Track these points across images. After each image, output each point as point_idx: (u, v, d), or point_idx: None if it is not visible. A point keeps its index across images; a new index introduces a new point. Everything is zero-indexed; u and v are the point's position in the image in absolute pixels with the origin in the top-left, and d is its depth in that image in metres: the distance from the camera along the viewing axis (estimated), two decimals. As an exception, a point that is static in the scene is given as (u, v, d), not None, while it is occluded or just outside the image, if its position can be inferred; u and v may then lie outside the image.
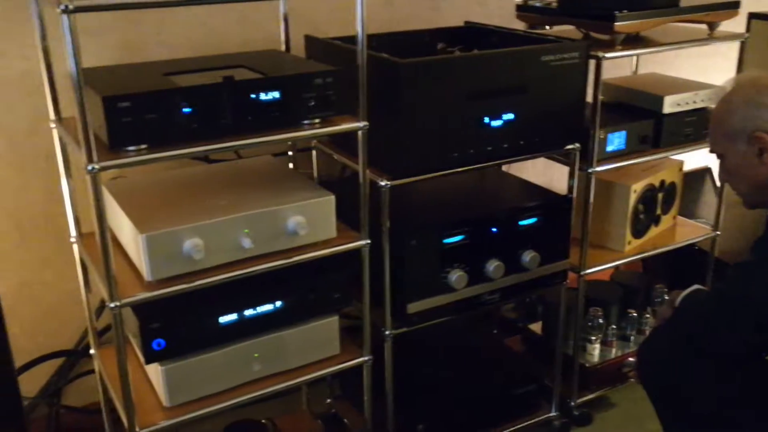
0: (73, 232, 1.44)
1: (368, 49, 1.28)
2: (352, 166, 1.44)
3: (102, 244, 1.13)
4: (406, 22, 1.90)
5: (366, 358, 1.47)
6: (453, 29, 1.79)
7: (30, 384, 1.71)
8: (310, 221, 1.31)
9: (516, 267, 1.56)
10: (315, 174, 1.71)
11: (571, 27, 1.80)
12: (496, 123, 1.43)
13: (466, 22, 1.82)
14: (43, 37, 1.29)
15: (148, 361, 1.25)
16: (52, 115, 1.34)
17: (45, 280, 1.69)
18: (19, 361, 1.68)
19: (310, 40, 1.61)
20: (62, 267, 1.69)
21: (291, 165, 1.66)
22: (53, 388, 1.72)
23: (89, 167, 1.08)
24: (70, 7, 1.01)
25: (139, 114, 1.10)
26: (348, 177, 1.72)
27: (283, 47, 1.58)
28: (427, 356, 1.84)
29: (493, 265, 1.51)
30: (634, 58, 2.17)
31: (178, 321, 1.26)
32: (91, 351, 1.53)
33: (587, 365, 1.86)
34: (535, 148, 1.52)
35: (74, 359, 1.74)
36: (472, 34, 1.76)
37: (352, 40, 1.51)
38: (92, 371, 1.63)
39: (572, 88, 1.51)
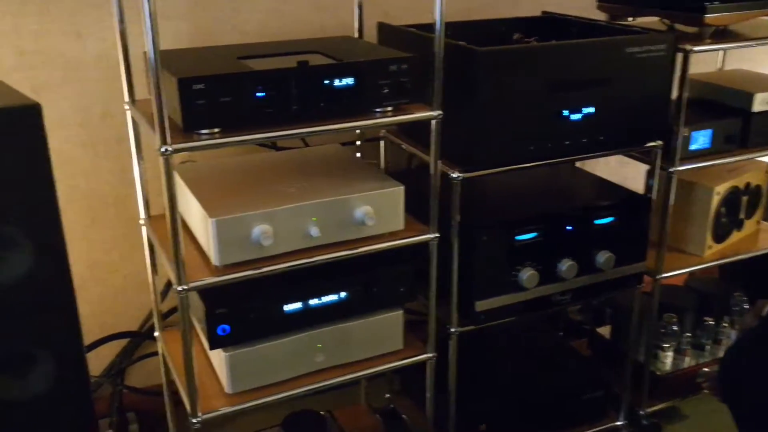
0: (142, 214, 1.44)
1: (445, 36, 1.24)
2: (422, 156, 1.40)
3: (172, 228, 1.12)
4: (482, 11, 1.85)
5: (430, 355, 1.43)
6: (530, 19, 1.73)
7: (95, 363, 1.74)
8: (378, 212, 1.28)
9: (589, 267, 1.49)
10: (383, 164, 1.68)
11: (654, 18, 1.72)
12: (575, 116, 1.37)
13: (544, 12, 1.76)
14: (121, 20, 1.29)
15: (213, 347, 1.25)
16: (126, 97, 1.34)
17: (113, 261, 1.71)
18: (86, 341, 1.71)
19: (383, 27, 1.58)
20: (129, 249, 1.70)
21: (358, 155, 1.63)
22: (117, 368, 1.73)
23: (163, 149, 1.08)
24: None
25: (214, 97, 1.09)
26: (416, 168, 1.69)
27: (356, 34, 1.56)
28: (491, 355, 1.79)
29: (566, 265, 1.46)
30: (720, 53, 2.06)
31: (244, 307, 1.24)
32: (155, 333, 1.53)
33: (658, 373, 1.79)
34: (615, 144, 1.46)
35: (138, 340, 1.76)
36: (550, 25, 1.69)
37: (425, 28, 1.48)
38: (155, 353, 1.64)
39: (657, 83, 1.43)
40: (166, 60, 1.19)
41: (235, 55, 1.26)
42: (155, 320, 1.53)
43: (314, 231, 1.23)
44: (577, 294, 1.52)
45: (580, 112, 1.37)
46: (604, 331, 2.00)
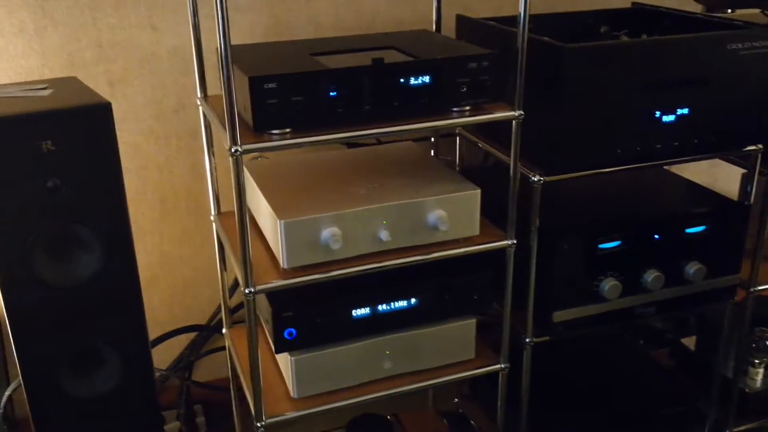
0: (212, 210, 1.42)
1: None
2: (499, 156, 1.34)
3: (240, 231, 1.09)
4: (566, 2, 1.76)
5: (502, 366, 1.37)
6: (619, 11, 1.63)
7: (165, 355, 1.75)
8: (452, 216, 1.22)
9: (677, 279, 1.40)
10: (457, 161, 1.61)
11: (754, 11, 1.60)
12: (668, 118, 1.28)
13: (634, 3, 1.65)
14: (194, 13, 1.27)
15: (279, 350, 1.22)
16: (198, 92, 1.32)
17: (183, 254, 1.71)
18: (156, 332, 1.72)
19: (462, 20, 1.51)
20: (200, 243, 1.70)
21: (432, 151, 1.57)
22: (186, 361, 1.74)
23: (233, 149, 1.04)
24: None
25: (285, 96, 1.05)
26: (492, 167, 1.61)
27: (433, 27, 1.49)
28: (566, 363, 1.71)
29: (651, 276, 1.36)
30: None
31: (311, 311, 1.21)
32: (223, 330, 1.52)
33: (748, 391, 1.67)
34: (711, 147, 1.35)
35: (207, 334, 1.76)
36: (641, 17, 1.59)
37: (506, 21, 1.40)
38: (223, 348, 1.64)
39: (760, 82, 1.32)
40: (237, 56, 1.16)
41: (308, 51, 1.22)
42: (223, 317, 1.52)
43: (384, 235, 1.18)
44: (662, 306, 1.42)
45: (673, 113, 1.28)
46: (689, 341, 1.89)
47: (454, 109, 1.17)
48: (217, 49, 1.01)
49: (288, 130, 1.08)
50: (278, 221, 1.13)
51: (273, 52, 1.22)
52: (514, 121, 1.20)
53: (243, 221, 1.09)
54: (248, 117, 1.07)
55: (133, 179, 1.61)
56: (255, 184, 1.28)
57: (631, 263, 1.36)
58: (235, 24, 1.56)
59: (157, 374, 1.69)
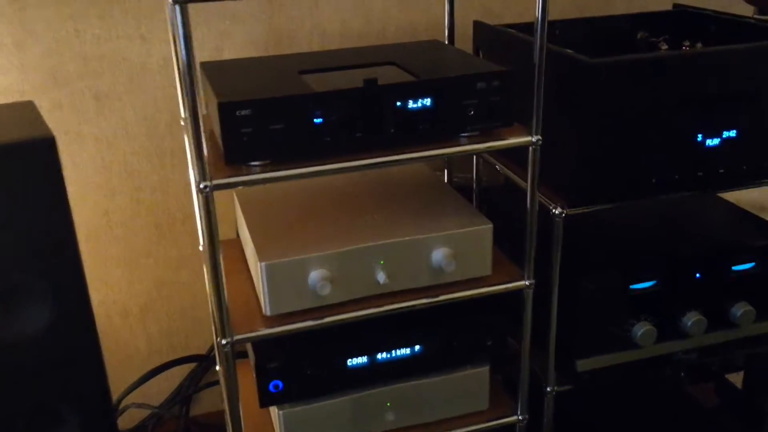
0: (201, 240, 1.30)
1: (550, 40, 1.00)
2: (517, 181, 1.18)
3: (213, 276, 0.97)
4: (599, 6, 1.59)
5: (520, 417, 1.22)
6: (658, 14, 1.45)
7: (164, 385, 1.64)
8: (460, 254, 1.07)
9: (722, 322, 1.23)
10: (474, 180, 1.46)
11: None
12: (712, 142, 1.11)
13: (675, 5, 1.47)
14: (181, 23, 1.14)
15: (264, 404, 1.09)
16: (182, 111, 1.20)
17: (181, 279, 1.60)
18: (154, 363, 1.62)
19: (479, 28, 1.35)
20: (198, 268, 1.58)
21: (446, 170, 1.42)
22: (183, 395, 1.63)
23: (201, 185, 0.92)
24: (183, -4, 0.83)
25: (262, 124, 0.91)
26: (510, 189, 1.45)
27: (446, 33, 1.34)
28: (593, 404, 1.55)
29: (692, 320, 1.19)
30: None
31: (300, 361, 1.08)
32: (217, 367, 1.40)
33: (802, 439, 1.49)
34: (761, 173, 1.17)
35: (207, 365, 1.64)
36: (683, 21, 1.41)
37: (529, 27, 1.25)
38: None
39: (822, 98, 1.14)
40: (214, 74, 1.04)
41: (297, 67, 1.08)
42: (216, 353, 1.40)
43: (381, 276, 1.04)
44: (704, 352, 1.25)
45: (718, 136, 1.10)
46: (735, 378, 1.70)
47: (462, 134, 1.02)
48: (197, 64, 0.88)
49: (267, 162, 0.95)
50: (259, 263, 1.00)
51: (256, 71, 1.09)
52: (531, 148, 1.05)
53: (215, 264, 0.96)
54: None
55: (126, 202, 1.50)
56: (241, 214, 1.15)
57: (668, 305, 1.20)
58: (231, 35, 1.43)
59: (151, 411, 1.58)
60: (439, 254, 1.06)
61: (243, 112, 0.90)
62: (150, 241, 1.55)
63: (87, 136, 1.43)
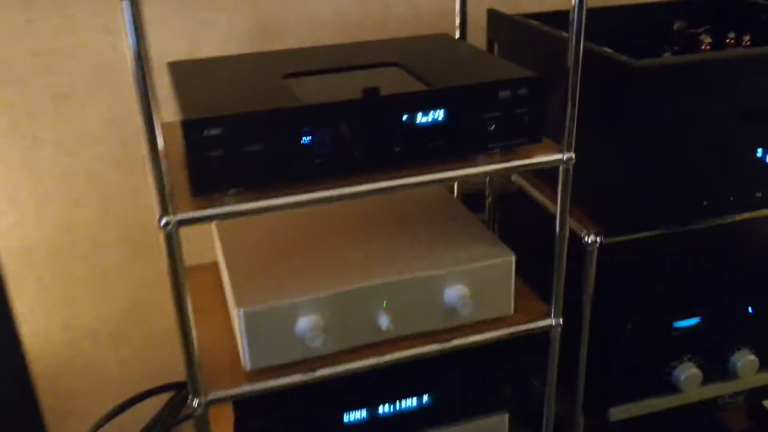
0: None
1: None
2: (541, 201, 1.01)
3: (182, 329, 0.80)
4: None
5: (543, 472, 1.06)
6: (697, 1, 1.27)
7: (140, 417, 1.48)
8: (476, 292, 0.91)
9: (776, 361, 1.07)
10: (489, 196, 1.29)
11: None
12: (774, 157, 0.94)
13: (717, -10, 1.29)
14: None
15: (245, 469, 0.92)
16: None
17: (158, 300, 1.43)
18: (129, 392, 1.45)
19: (494, 18, 1.17)
20: (177, 287, 1.41)
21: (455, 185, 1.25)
22: (162, 426, 1.46)
23: (162, 221, 0.74)
24: (134, -13, 0.65)
25: (237, 145, 0.74)
26: (535, 207, 1.28)
27: (457, 28, 1.16)
28: None
29: (741, 359, 1.03)
30: None
31: (288, 418, 0.91)
32: (194, 402, 1.23)
33: None
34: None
35: (186, 393, 1.48)
36: (728, 9, 1.23)
37: (554, 18, 1.08)
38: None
39: None
40: (182, 79, 0.86)
41: (283, 69, 0.90)
42: (190, 384, 1.23)
43: (384, 321, 0.87)
44: (754, 394, 1.10)
45: (782, 150, 0.94)
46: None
47: (479, 153, 0.85)
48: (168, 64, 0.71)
49: (243, 189, 0.77)
50: (237, 310, 0.83)
51: (232, 74, 0.91)
52: (561, 167, 0.87)
53: (183, 315, 0.80)
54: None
55: (92, 214, 1.32)
56: (218, 243, 0.98)
57: (714, 343, 1.03)
58: (212, 27, 1.25)
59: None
60: (453, 293, 0.90)
61: (212, 132, 0.73)
62: (121, 258, 1.37)
63: (45, 140, 1.25)
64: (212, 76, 0.89)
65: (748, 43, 1.13)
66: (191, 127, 0.72)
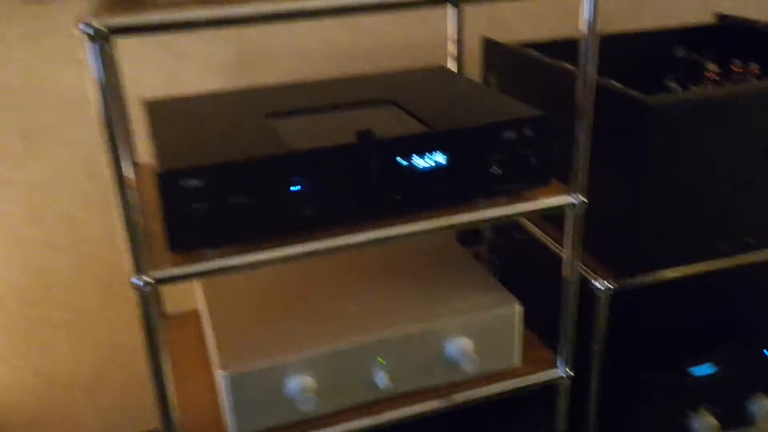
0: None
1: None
2: (550, 247, 0.95)
3: (160, 400, 0.72)
4: (625, 17, 1.36)
5: None
6: (699, 28, 1.22)
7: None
8: (480, 345, 0.84)
9: (794, 407, 1.01)
10: (491, 237, 1.23)
11: None
12: (793, 195, 0.88)
13: (720, 17, 1.24)
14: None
15: None
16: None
17: (138, 344, 1.34)
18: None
19: (490, 47, 1.12)
20: (157, 331, 1.33)
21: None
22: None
23: (135, 281, 0.67)
24: (104, 30, 0.58)
25: (219, 197, 0.67)
26: (540, 247, 1.21)
27: (454, 59, 1.10)
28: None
29: (760, 407, 0.97)
30: None
31: (277, 486, 0.84)
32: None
33: None
34: None
35: (169, 443, 1.39)
36: (729, 35, 1.19)
37: (553, 48, 1.02)
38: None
39: None
40: (158, 121, 0.79)
41: (267, 108, 0.83)
42: None
43: (381, 379, 0.81)
44: (772, 443, 1.03)
45: (802, 188, 0.88)
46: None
47: (482, 198, 0.78)
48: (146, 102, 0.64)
49: (227, 244, 0.70)
50: (220, 372, 0.76)
51: (212, 115, 0.84)
52: (570, 210, 0.81)
53: (161, 384, 0.72)
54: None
55: (69, 258, 1.25)
56: (202, 296, 0.91)
57: (730, 390, 0.97)
58: (191, 58, 1.18)
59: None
60: (454, 347, 0.83)
61: (192, 183, 0.66)
62: (98, 302, 1.30)
63: (14, 181, 1.17)
64: (191, 118, 0.82)
65: (758, 71, 1.08)
66: (168, 179, 0.65)
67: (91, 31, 0.57)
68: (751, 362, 0.97)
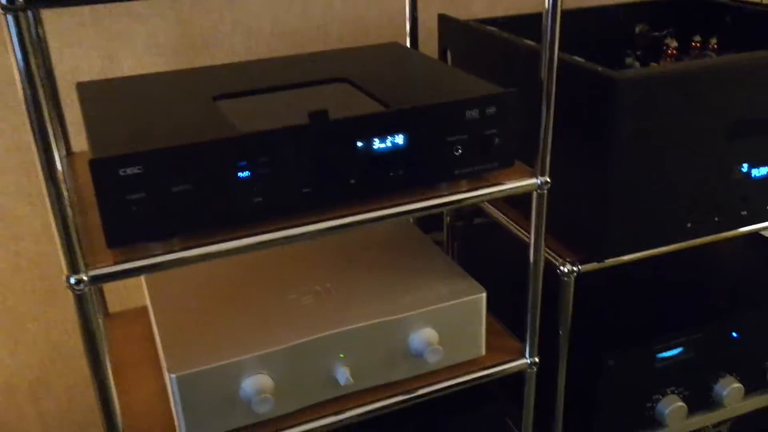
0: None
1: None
2: (515, 232, 0.92)
3: (103, 409, 0.67)
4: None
5: None
6: (658, 3, 1.20)
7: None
8: (445, 335, 0.80)
9: (761, 385, 1.00)
10: (453, 222, 1.19)
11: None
12: (759, 172, 0.86)
13: (680, -10, 1.22)
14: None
15: None
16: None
17: (79, 343, 1.27)
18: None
19: (446, 24, 1.07)
20: (103, 330, 1.26)
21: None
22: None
23: (71, 280, 0.61)
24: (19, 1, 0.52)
25: (160, 186, 0.61)
26: (504, 232, 1.18)
27: (407, 35, 1.05)
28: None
29: (727, 388, 0.96)
30: None
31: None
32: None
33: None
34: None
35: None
36: (691, 10, 1.16)
37: (511, 23, 0.99)
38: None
39: None
40: (93, 104, 0.73)
41: (213, 89, 0.78)
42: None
43: (342, 375, 0.76)
44: (740, 425, 1.02)
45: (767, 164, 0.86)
46: None
47: (443, 181, 0.74)
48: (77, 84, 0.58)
49: (170, 238, 0.65)
50: (169, 374, 0.70)
51: (152, 97, 0.78)
52: (535, 193, 0.78)
53: (103, 389, 0.66)
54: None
55: (2, 255, 1.17)
56: (147, 295, 0.85)
57: (697, 372, 0.96)
58: (129, 38, 1.11)
59: None
60: (419, 339, 0.79)
61: (130, 171, 0.60)
62: (37, 301, 1.22)
63: (-59, 173, 1.09)
64: (130, 101, 0.76)
65: (715, 46, 1.06)
66: (102, 167, 0.59)
67: (3, 0, 0.51)
68: (719, 344, 0.95)
